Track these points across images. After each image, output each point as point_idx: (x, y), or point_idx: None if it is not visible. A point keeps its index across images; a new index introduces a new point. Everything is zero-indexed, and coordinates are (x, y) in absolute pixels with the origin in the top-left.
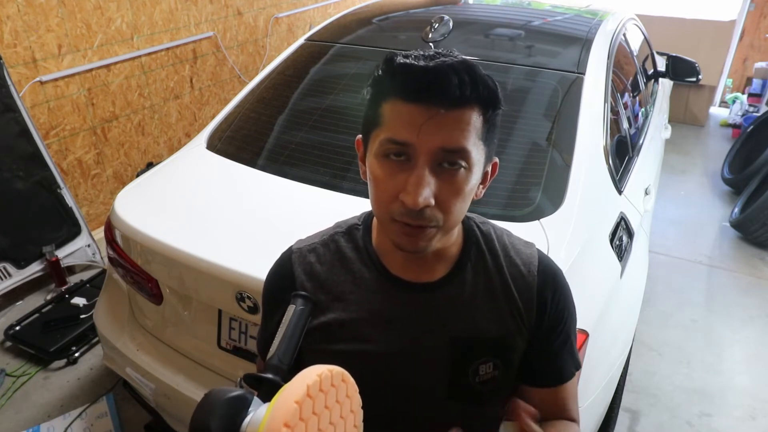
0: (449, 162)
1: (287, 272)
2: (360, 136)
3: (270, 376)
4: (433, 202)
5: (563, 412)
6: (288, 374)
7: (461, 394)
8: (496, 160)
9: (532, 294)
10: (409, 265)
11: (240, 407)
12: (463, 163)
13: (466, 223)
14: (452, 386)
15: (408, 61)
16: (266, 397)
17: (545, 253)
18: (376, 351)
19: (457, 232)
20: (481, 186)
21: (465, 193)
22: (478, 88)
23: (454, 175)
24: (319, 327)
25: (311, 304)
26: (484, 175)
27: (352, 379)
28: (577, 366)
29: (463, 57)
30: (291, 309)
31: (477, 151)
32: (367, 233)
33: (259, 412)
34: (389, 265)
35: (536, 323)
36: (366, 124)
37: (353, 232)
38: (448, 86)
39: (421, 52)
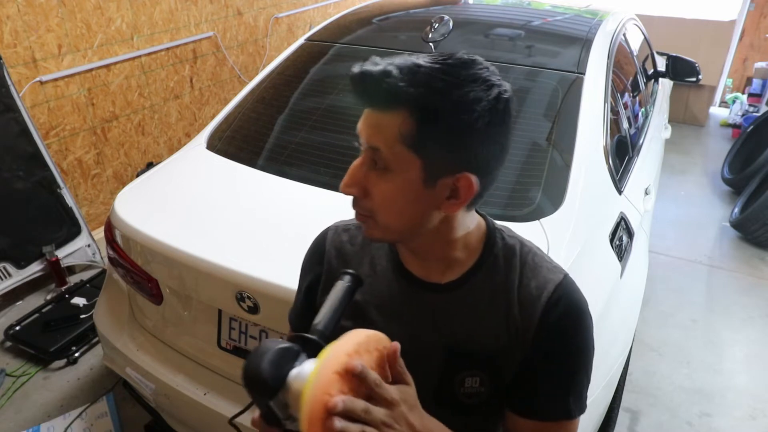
0: (374, 159)
1: (320, 247)
2: None
3: (315, 337)
4: (355, 191)
5: None
6: (330, 340)
7: (445, 402)
8: (467, 175)
9: (534, 317)
10: (418, 263)
11: (288, 358)
12: (380, 163)
13: (491, 234)
14: (438, 391)
15: (356, 69)
16: (312, 355)
17: (576, 284)
18: None
19: (476, 240)
20: (452, 200)
21: (389, 194)
22: (397, 94)
23: (380, 172)
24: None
25: (357, 281)
26: (454, 190)
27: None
28: (569, 414)
29: (399, 64)
30: (339, 284)
31: (395, 154)
32: None
33: (306, 365)
34: (404, 258)
35: (532, 346)
36: None
37: None
38: (366, 90)
39: (375, 62)
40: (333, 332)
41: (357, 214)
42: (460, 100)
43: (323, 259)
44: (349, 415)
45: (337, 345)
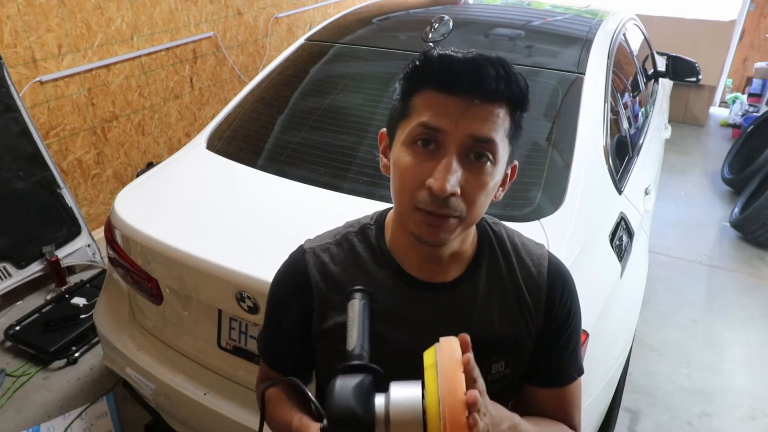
0: (476, 153)
1: (301, 272)
2: (384, 129)
3: (362, 363)
4: (459, 190)
5: (563, 418)
6: (370, 362)
7: None
8: (516, 163)
9: (541, 294)
10: (424, 265)
11: (367, 391)
12: (490, 156)
13: (480, 224)
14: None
15: (446, 52)
16: (377, 381)
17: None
18: (390, 350)
19: (472, 233)
20: (500, 188)
21: (489, 188)
22: (511, 84)
23: (480, 167)
24: (334, 327)
25: (368, 295)
26: (504, 176)
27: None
28: (580, 371)
29: (500, 56)
30: (354, 303)
31: (503, 147)
32: (380, 233)
33: (396, 394)
34: (404, 264)
35: (543, 323)
36: (394, 116)
37: (366, 231)
38: (484, 78)
39: (457, 48)
40: (370, 351)
41: (433, 217)
42: (529, 96)
43: (309, 285)
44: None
45: (446, 365)
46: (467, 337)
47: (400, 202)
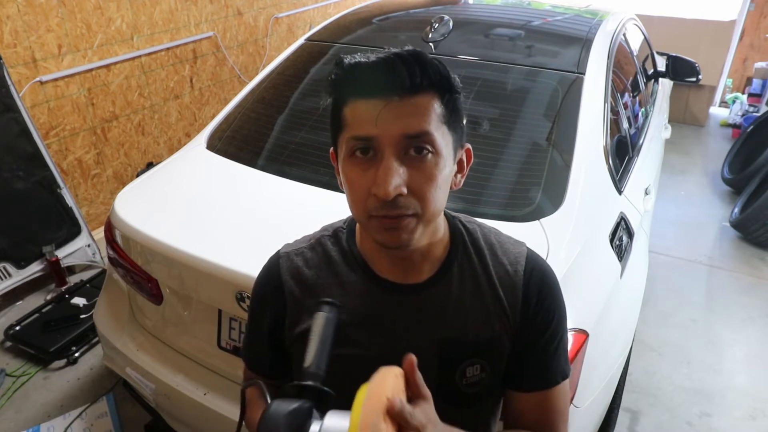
0: (415, 148)
1: (274, 277)
2: (332, 148)
3: (312, 383)
4: (404, 190)
5: (545, 427)
6: (326, 380)
7: (448, 397)
8: (469, 146)
9: (517, 292)
10: (396, 267)
11: (303, 417)
12: (429, 147)
13: (452, 223)
14: (439, 388)
15: (356, 59)
16: (320, 404)
17: (537, 253)
18: (364, 354)
19: (443, 232)
20: (459, 175)
21: (438, 180)
22: (428, 73)
23: (422, 161)
24: (307, 332)
25: (337, 309)
26: (459, 163)
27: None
28: (564, 374)
29: (414, 48)
30: (320, 316)
31: (441, 135)
32: (352, 236)
33: (331, 421)
34: (375, 267)
35: (521, 322)
36: (333, 133)
37: (338, 234)
38: (397, 75)
39: (371, 50)
40: (327, 369)
41: (389, 220)
42: (456, 80)
43: (282, 290)
44: None
45: (373, 391)
46: (413, 359)
47: (356, 213)
